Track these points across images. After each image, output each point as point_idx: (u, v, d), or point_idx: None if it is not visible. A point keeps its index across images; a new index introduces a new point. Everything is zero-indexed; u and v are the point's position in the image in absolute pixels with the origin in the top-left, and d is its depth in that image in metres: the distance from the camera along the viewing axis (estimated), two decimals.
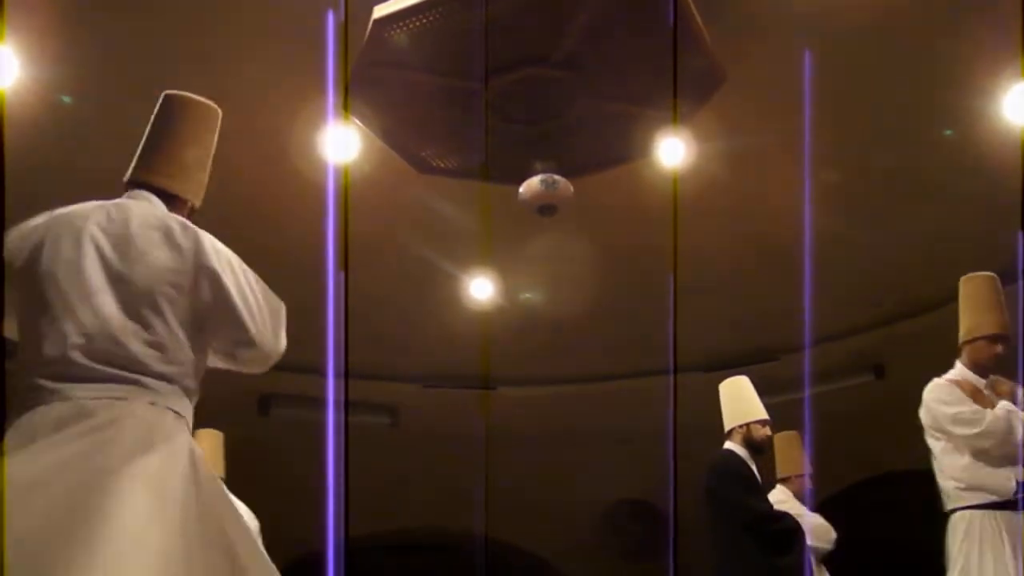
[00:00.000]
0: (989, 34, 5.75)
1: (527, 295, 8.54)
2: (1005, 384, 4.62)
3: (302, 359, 8.19)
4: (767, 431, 5.38)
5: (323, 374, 6.60)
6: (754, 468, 5.30)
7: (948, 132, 6.60)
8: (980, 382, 4.65)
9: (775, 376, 7.63)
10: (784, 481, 6.36)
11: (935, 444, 4.59)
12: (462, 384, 9.29)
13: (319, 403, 7.20)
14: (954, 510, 4.50)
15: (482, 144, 5.76)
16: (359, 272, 6.23)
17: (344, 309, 6.09)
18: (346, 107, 5.68)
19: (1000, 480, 4.42)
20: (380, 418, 9.47)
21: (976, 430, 4.45)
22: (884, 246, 7.44)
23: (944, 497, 4.57)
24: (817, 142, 6.19)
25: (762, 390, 5.58)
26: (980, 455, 4.46)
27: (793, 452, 6.42)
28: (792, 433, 6.33)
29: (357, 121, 5.92)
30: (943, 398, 4.58)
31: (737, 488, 5.15)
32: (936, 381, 4.63)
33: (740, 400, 5.49)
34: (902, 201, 7.16)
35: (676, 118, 5.92)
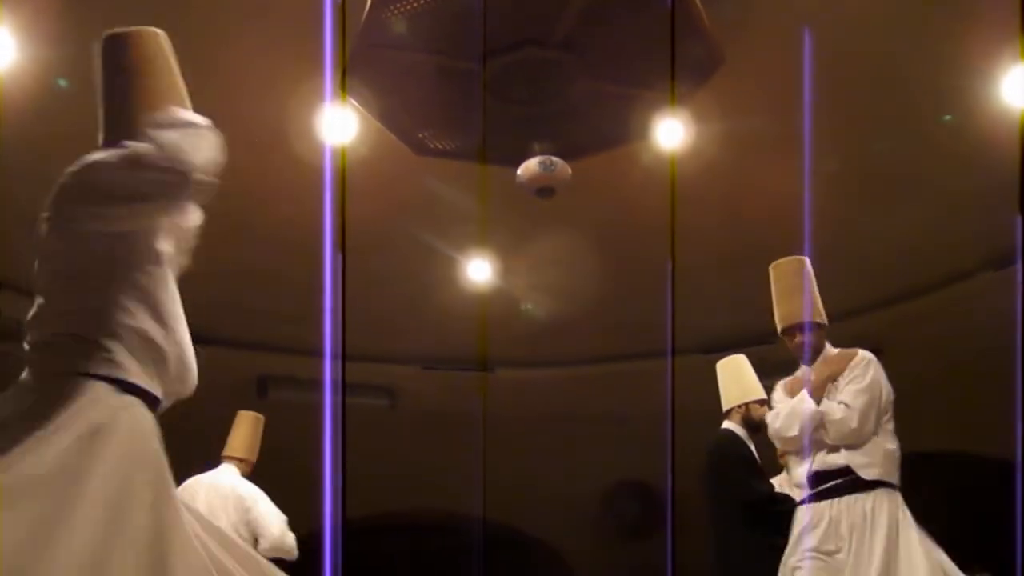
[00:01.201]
0: (988, 16, 5.73)
1: (525, 277, 8.54)
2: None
3: (301, 341, 8.26)
4: (766, 411, 5.36)
5: (321, 356, 6.60)
6: (753, 448, 5.30)
7: (947, 117, 6.59)
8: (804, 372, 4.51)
9: (772, 358, 7.62)
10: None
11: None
12: (460, 366, 9.29)
13: (317, 385, 7.21)
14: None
15: (480, 126, 5.74)
16: (357, 254, 6.22)
17: (342, 291, 6.09)
18: (343, 89, 5.66)
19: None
20: (378, 400, 9.49)
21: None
22: (882, 228, 7.44)
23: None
24: (816, 124, 6.18)
25: (760, 372, 5.56)
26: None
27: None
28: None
29: (354, 103, 5.90)
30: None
31: (738, 469, 5.15)
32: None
33: (739, 380, 5.46)
34: (901, 183, 7.15)
35: (674, 100, 5.90)
